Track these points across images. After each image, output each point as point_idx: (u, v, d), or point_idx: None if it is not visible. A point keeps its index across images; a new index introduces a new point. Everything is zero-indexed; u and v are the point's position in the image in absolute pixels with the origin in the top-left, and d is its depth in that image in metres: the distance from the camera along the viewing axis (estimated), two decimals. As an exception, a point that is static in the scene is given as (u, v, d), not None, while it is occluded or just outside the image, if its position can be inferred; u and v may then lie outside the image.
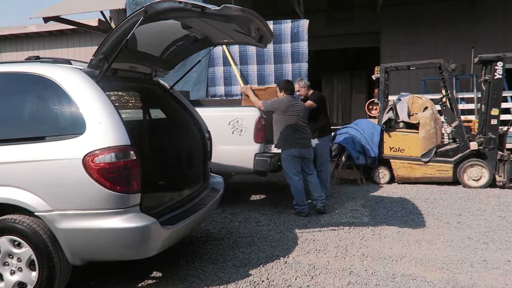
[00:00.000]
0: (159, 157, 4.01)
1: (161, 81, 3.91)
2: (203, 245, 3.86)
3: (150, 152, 4.06)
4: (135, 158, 2.59)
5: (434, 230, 4.22)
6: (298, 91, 5.41)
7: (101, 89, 2.68)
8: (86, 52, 12.08)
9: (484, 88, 6.43)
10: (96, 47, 2.77)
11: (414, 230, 4.23)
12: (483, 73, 6.45)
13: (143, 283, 3.08)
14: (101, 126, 2.55)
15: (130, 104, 4.94)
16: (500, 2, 9.54)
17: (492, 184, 6.14)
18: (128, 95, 4.86)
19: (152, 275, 3.22)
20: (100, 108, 2.60)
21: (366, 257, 3.50)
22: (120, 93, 4.74)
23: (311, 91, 5.48)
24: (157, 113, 4.28)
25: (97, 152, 2.49)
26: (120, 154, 2.53)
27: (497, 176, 6.15)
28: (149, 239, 2.63)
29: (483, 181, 6.14)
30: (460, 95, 8.89)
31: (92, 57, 2.77)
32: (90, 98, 2.62)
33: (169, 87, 3.87)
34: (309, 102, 5.30)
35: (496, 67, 6.14)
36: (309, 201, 4.92)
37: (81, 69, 2.79)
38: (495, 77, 6.17)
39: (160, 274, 3.22)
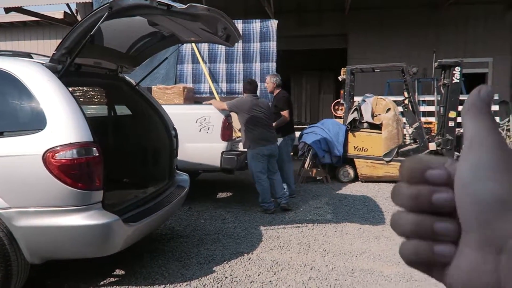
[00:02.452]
0: (124, 154, 3.98)
1: (127, 78, 3.88)
2: (167, 243, 3.86)
3: (115, 149, 4.02)
4: (97, 155, 2.57)
5: (393, 227, 4.40)
6: (267, 84, 5.49)
7: (63, 84, 2.64)
8: (50, 46, 11.68)
9: (443, 91, 6.74)
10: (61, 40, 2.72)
11: (374, 227, 4.40)
12: (442, 77, 6.75)
13: (105, 281, 3.05)
14: (63, 122, 2.52)
15: (95, 100, 4.86)
16: (461, 10, 9.99)
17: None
18: (93, 91, 4.77)
19: (115, 272, 3.20)
20: (62, 104, 2.56)
21: (327, 253, 3.62)
22: (85, 88, 4.65)
23: (278, 91, 5.54)
24: (122, 110, 4.23)
25: (58, 148, 2.45)
26: (82, 151, 2.50)
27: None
28: (111, 236, 2.62)
29: (441, 180, 6.43)
30: (421, 98, 9.25)
31: (55, 51, 2.73)
32: (51, 93, 2.57)
33: (135, 84, 3.84)
34: (284, 114, 5.35)
35: (454, 72, 6.45)
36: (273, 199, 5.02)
37: (42, 63, 2.73)
38: (453, 81, 6.48)
39: (123, 272, 3.20)
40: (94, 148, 2.56)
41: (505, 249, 0.27)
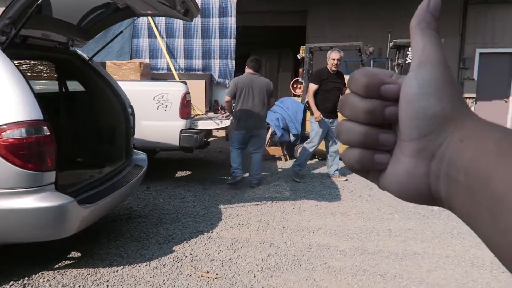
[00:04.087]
0: (78, 132, 3.81)
1: (79, 52, 3.67)
2: (125, 223, 3.79)
3: (68, 127, 3.83)
4: (48, 134, 2.44)
5: (348, 203, 4.57)
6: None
7: (7, 57, 2.45)
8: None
9: (397, 71, 6.96)
10: (2, 9, 2.51)
11: (330, 203, 4.55)
12: (396, 57, 6.97)
13: (60, 263, 2.96)
14: (9, 98, 2.35)
15: (45, 75, 4.56)
16: (415, -9, 10.26)
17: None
18: (42, 65, 4.48)
19: (70, 255, 3.11)
20: (7, 78, 2.38)
21: (286, 230, 3.71)
22: (32, 62, 4.35)
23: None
24: (75, 86, 4.02)
25: (4, 127, 2.30)
26: (32, 130, 2.36)
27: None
28: (66, 218, 2.52)
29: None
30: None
31: (-3, 22, 2.51)
32: (-5, 67, 2.39)
33: (88, 58, 3.65)
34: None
35: (408, 52, 6.66)
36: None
37: (-17, 34, 2.51)
38: (407, 61, 6.70)
39: (79, 254, 3.12)
40: (45, 127, 2.42)
41: (436, 156, 0.31)
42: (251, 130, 4.94)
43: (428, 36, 0.33)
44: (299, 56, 7.87)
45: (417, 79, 0.32)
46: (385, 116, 0.34)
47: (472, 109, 10.43)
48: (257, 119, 4.93)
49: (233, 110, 5.02)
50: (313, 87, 5.30)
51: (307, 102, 6.82)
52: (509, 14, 9.98)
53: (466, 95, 10.10)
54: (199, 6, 4.14)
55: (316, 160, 6.93)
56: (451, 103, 0.31)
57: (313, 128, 5.41)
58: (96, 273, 2.83)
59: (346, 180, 5.50)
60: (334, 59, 5.16)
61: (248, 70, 4.98)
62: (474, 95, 10.13)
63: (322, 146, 6.78)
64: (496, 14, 10.02)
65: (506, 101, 10.26)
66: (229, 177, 5.20)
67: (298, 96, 8.40)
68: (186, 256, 3.12)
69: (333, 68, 5.21)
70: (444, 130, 0.31)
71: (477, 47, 10.20)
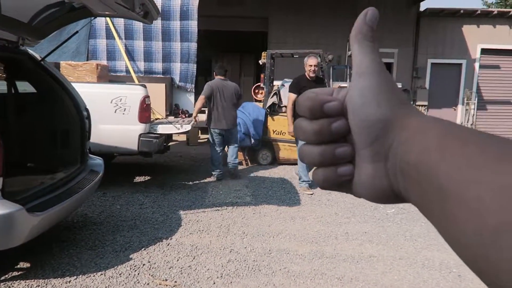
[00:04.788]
0: (28, 136, 3.62)
1: (31, 51, 3.50)
2: (80, 231, 3.64)
3: (17, 131, 3.64)
4: (-5, 138, 2.30)
5: (308, 207, 4.65)
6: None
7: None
8: None
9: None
10: None
11: (290, 208, 4.60)
12: (354, 66, 7.16)
13: (7, 275, 2.79)
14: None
15: (-8, 75, 4.31)
16: (372, 2, 10.63)
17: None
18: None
19: (19, 266, 2.94)
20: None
21: (246, 235, 3.71)
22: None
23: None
24: (25, 87, 3.83)
25: None
26: (-24, 134, 2.22)
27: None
28: (14, 227, 2.39)
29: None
30: (336, 84, 9.77)
31: None
32: None
33: (40, 58, 3.49)
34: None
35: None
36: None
37: None
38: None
39: (29, 265, 2.95)
40: (-9, 131, 2.28)
41: (389, 157, 0.33)
42: (226, 127, 5.54)
43: (365, 47, 0.35)
44: (260, 62, 7.93)
45: (357, 89, 0.34)
46: (333, 131, 0.35)
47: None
48: (230, 118, 5.58)
49: (207, 113, 5.53)
50: (292, 97, 5.16)
51: (269, 107, 6.89)
52: (458, 27, 10.59)
53: (419, 102, 10.59)
54: (160, 9, 4.09)
55: (277, 165, 7.00)
56: (390, 107, 0.33)
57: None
58: (46, 284, 2.70)
59: (312, 194, 5.18)
60: (311, 65, 5.11)
61: (217, 77, 5.56)
62: (426, 103, 10.64)
63: (286, 154, 6.86)
64: (446, 27, 10.60)
65: (454, 109, 10.85)
66: (190, 182, 5.29)
67: (260, 101, 8.46)
68: (143, 264, 3.04)
69: (311, 75, 5.14)
70: (390, 132, 0.33)
71: (429, 58, 10.74)
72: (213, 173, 5.68)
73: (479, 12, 10.34)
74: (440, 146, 0.28)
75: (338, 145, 0.36)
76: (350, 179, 0.36)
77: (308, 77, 5.18)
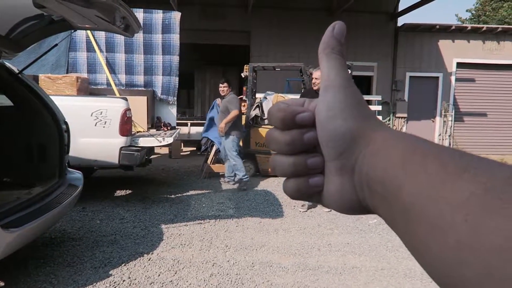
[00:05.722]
0: (4, 150, 3.53)
1: (8, 64, 3.44)
2: (57, 247, 3.54)
3: (-7, 145, 3.55)
4: (-31, 152, 2.23)
5: (291, 219, 4.64)
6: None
7: None
8: None
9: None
10: None
11: (273, 220, 4.59)
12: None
13: (-21, 295, 2.69)
14: None
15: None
16: (352, 18, 10.87)
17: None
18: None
19: (-8, 284, 2.84)
20: None
21: (229, 248, 3.67)
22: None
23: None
24: (2, 100, 3.75)
25: None
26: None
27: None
28: (-13, 245, 2.30)
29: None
30: (317, 97, 9.87)
31: None
32: None
33: (18, 71, 3.43)
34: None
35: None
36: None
37: None
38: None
39: (2, 284, 2.85)
40: (-35, 145, 2.22)
41: (356, 170, 0.33)
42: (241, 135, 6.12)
43: (332, 61, 0.35)
44: (243, 75, 7.98)
45: (324, 102, 0.35)
46: (305, 142, 0.35)
47: (404, 128, 11.10)
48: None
49: (232, 123, 5.83)
50: None
51: (252, 119, 6.91)
52: (434, 41, 10.91)
53: (398, 114, 10.80)
54: (142, 22, 4.08)
55: (260, 177, 6.99)
56: (356, 121, 0.33)
57: None
58: (21, 303, 2.61)
59: (305, 211, 4.97)
60: (315, 78, 5.11)
61: (231, 91, 6.07)
62: (405, 115, 10.85)
63: (268, 166, 6.86)
64: (423, 42, 10.91)
65: (433, 121, 11.10)
66: (172, 196, 5.11)
67: (243, 113, 8.48)
68: (123, 280, 2.97)
69: (315, 88, 5.14)
70: (356, 146, 0.33)
71: (407, 71, 11.00)
72: (244, 179, 5.88)
73: (453, 27, 10.68)
74: (403, 162, 0.29)
75: (310, 155, 0.36)
76: (320, 190, 0.36)
77: (314, 91, 5.16)
